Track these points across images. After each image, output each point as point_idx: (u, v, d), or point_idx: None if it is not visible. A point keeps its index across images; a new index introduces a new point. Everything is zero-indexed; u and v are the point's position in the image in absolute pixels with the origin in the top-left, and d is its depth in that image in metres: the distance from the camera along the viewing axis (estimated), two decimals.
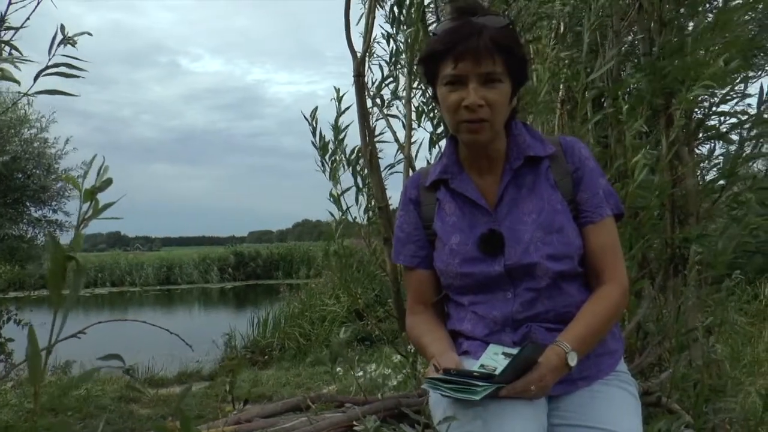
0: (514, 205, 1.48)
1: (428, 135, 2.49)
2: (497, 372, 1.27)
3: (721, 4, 2.43)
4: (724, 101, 2.34)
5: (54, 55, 1.21)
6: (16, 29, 1.40)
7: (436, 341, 1.51)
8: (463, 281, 1.49)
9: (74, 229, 0.85)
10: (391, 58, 2.55)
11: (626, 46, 2.50)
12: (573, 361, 1.34)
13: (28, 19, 1.43)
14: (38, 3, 1.44)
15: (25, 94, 1.22)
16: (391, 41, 2.57)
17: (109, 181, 0.85)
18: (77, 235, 0.83)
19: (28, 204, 8.66)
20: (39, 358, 0.78)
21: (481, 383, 1.23)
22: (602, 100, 2.34)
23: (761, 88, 2.21)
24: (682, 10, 2.41)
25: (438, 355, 1.43)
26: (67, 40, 1.21)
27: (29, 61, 1.24)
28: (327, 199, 2.62)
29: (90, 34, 1.26)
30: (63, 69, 1.20)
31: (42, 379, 0.78)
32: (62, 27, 1.20)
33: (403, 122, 2.57)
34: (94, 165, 0.86)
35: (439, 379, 1.28)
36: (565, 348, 1.33)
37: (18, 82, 1.20)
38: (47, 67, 1.20)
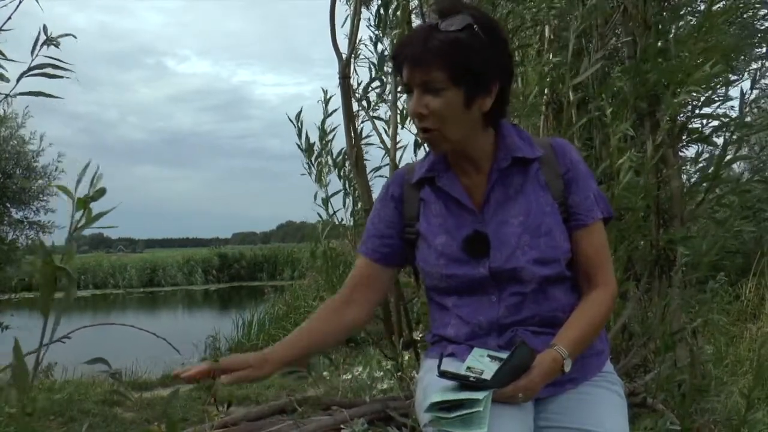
0: (501, 207, 1.46)
1: (413, 137, 2.48)
2: (485, 374, 1.27)
3: (703, 9, 2.46)
4: (706, 104, 2.36)
5: (37, 56, 1.19)
6: None
7: (293, 342, 1.49)
8: (448, 283, 1.48)
9: (67, 234, 0.83)
10: (378, 61, 2.54)
11: (611, 49, 2.51)
12: (568, 366, 1.34)
13: (9, 18, 1.41)
14: (20, 2, 1.42)
15: (8, 95, 1.20)
16: (378, 43, 2.56)
17: (102, 191, 0.84)
18: (70, 245, 0.81)
19: (8, 205, 8.54)
20: (25, 370, 0.77)
21: (479, 394, 1.23)
22: (587, 103, 2.35)
23: (742, 92, 2.23)
24: (665, 14, 2.43)
25: (256, 359, 1.40)
26: (50, 41, 1.19)
27: (12, 60, 1.22)
28: (312, 201, 2.61)
29: (74, 37, 1.24)
30: (48, 70, 1.19)
31: (29, 389, 0.77)
32: (44, 28, 1.18)
33: (386, 125, 2.57)
34: (88, 171, 0.84)
35: (439, 403, 1.27)
36: (563, 353, 1.33)
37: (7, 80, 1.18)
38: (31, 68, 1.19)
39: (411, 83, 1.36)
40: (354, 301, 1.57)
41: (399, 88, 2.49)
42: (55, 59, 1.19)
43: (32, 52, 1.19)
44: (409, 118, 2.50)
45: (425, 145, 2.46)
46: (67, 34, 1.20)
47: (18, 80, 1.19)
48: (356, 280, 1.59)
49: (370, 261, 1.58)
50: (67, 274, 0.77)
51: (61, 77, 1.19)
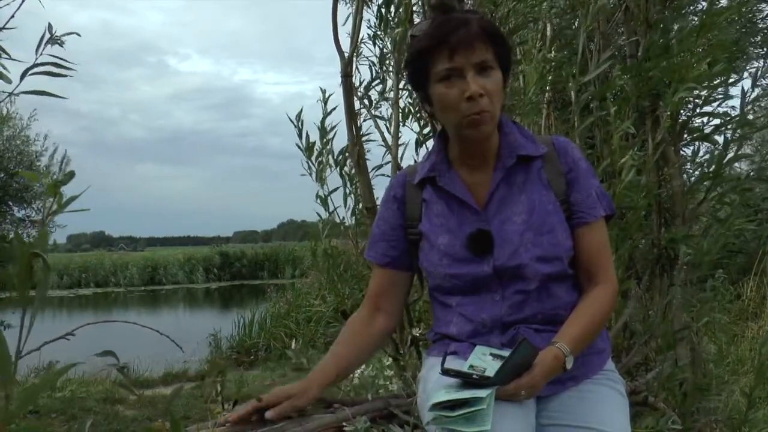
0: (504, 205, 1.47)
1: (415, 135, 2.48)
2: (487, 372, 1.27)
3: (705, 7, 2.46)
4: (707, 102, 2.36)
5: (41, 54, 1.19)
6: (0, 29, 1.39)
7: (325, 366, 1.55)
8: (452, 282, 1.48)
9: (41, 220, 0.84)
10: (379, 59, 2.54)
11: (614, 48, 2.51)
12: (570, 364, 1.34)
13: (12, 17, 1.42)
14: (23, 1, 1.43)
15: (11, 94, 1.21)
16: (379, 41, 2.56)
17: (71, 174, 0.84)
18: (42, 231, 0.82)
19: (10, 204, 8.57)
20: (9, 361, 0.77)
21: (482, 392, 1.23)
22: (589, 102, 2.35)
23: (743, 90, 2.23)
24: (666, 13, 2.43)
25: (297, 387, 1.50)
26: (55, 40, 1.20)
27: (16, 60, 1.22)
28: (314, 200, 2.61)
29: (78, 35, 1.24)
30: (50, 68, 1.19)
31: (13, 382, 0.77)
32: (50, 26, 1.19)
33: (387, 124, 2.56)
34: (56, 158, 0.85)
35: (443, 402, 1.27)
36: (564, 351, 1.33)
37: (9, 81, 1.18)
38: (34, 66, 1.19)
39: (464, 66, 1.37)
40: (380, 310, 1.61)
41: (401, 85, 2.49)
42: (59, 58, 1.19)
43: (37, 50, 1.19)
44: (410, 116, 2.50)
45: (426, 142, 2.47)
46: (71, 33, 1.21)
47: (21, 78, 1.20)
48: (375, 293, 1.62)
49: (384, 269, 1.60)
50: (42, 260, 0.77)
51: (65, 76, 1.19)
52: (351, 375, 2.29)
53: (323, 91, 2.52)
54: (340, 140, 2.51)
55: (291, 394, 1.47)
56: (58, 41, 1.21)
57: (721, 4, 2.39)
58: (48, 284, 0.80)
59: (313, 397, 1.51)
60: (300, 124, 2.58)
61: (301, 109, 2.57)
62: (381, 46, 2.55)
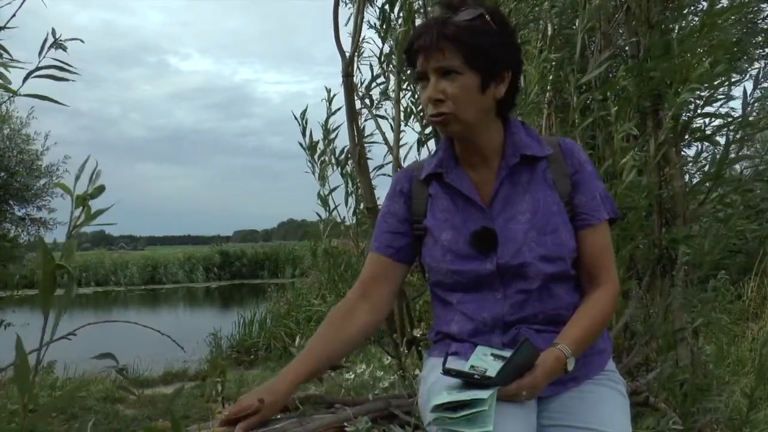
0: (508, 203, 1.47)
1: (417, 135, 2.48)
2: (488, 372, 1.27)
3: (705, 7, 2.46)
4: (709, 103, 2.36)
5: (44, 57, 1.19)
6: (1, 28, 1.39)
7: (298, 363, 1.49)
8: (453, 279, 1.48)
9: (66, 233, 0.83)
10: (380, 59, 2.54)
11: (614, 48, 2.51)
12: (571, 365, 1.34)
13: (13, 16, 1.42)
14: (23, 0, 1.43)
15: (14, 95, 1.20)
16: (381, 41, 2.56)
17: (101, 188, 0.84)
18: (70, 243, 0.82)
19: (11, 203, 8.58)
20: (27, 368, 0.77)
21: (483, 393, 1.23)
22: (589, 102, 2.35)
23: (744, 90, 2.24)
24: (667, 13, 2.43)
25: (262, 388, 1.43)
26: (59, 45, 1.20)
27: (18, 61, 1.22)
28: (315, 199, 2.60)
29: (82, 41, 1.24)
30: (53, 72, 1.19)
31: (31, 387, 0.77)
32: (53, 31, 1.19)
33: (391, 124, 2.56)
34: (86, 169, 0.85)
35: (444, 404, 1.27)
36: (566, 352, 1.33)
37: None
38: (37, 69, 1.19)
39: (427, 70, 1.38)
40: (367, 297, 1.56)
41: (404, 86, 2.49)
42: (60, 62, 1.19)
43: (40, 53, 1.19)
44: (412, 116, 2.50)
45: (428, 142, 2.47)
46: (74, 38, 1.21)
47: (24, 81, 1.20)
48: (368, 277, 1.58)
49: (382, 257, 1.58)
50: (67, 272, 0.78)
51: (67, 80, 1.19)
52: (353, 374, 2.29)
53: (328, 91, 2.51)
54: (343, 140, 2.52)
55: (260, 404, 1.39)
56: (62, 46, 1.21)
57: (721, 5, 2.39)
58: (72, 294, 0.80)
59: (284, 399, 1.45)
60: (304, 122, 2.58)
61: (306, 108, 2.57)
62: (387, 44, 2.54)
